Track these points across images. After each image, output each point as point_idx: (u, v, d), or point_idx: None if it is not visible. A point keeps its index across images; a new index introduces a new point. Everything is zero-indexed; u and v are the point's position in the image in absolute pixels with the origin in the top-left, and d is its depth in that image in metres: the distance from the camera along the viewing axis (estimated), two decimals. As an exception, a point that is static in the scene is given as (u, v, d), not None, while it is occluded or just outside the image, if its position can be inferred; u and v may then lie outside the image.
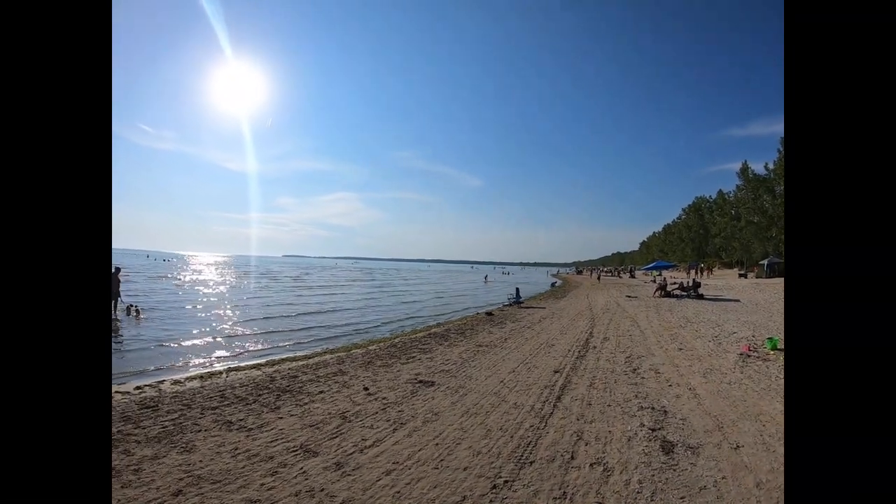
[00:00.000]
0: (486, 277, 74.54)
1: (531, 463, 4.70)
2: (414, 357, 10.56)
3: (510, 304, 25.34)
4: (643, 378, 8.17)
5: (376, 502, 4.02)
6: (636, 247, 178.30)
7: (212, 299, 27.51)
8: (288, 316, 20.78)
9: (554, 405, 6.63)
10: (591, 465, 4.68)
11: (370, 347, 12.16)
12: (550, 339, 12.95)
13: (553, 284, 53.26)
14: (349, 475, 4.54)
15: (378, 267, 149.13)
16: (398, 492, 4.17)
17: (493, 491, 4.13)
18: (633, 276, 67.88)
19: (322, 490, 4.26)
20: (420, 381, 8.20)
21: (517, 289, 28.55)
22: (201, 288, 36.40)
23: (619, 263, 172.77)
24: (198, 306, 23.10)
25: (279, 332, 16.02)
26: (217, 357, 11.88)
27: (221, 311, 21.51)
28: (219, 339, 14.19)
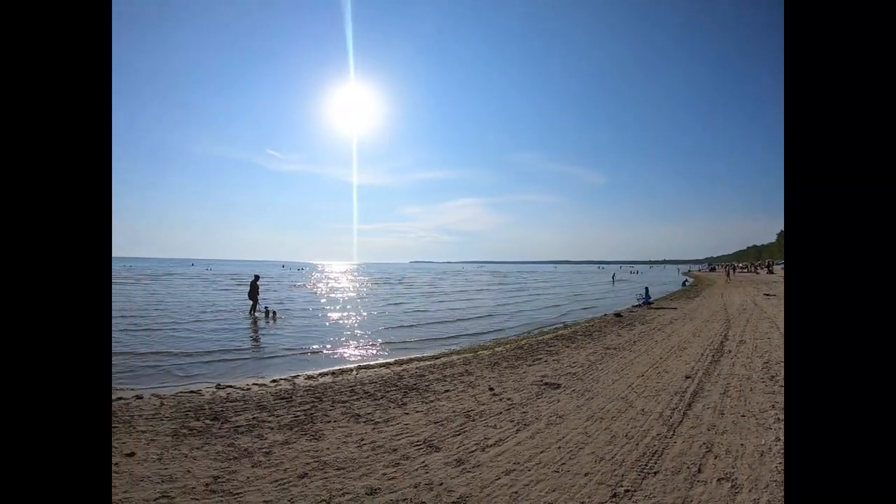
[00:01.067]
0: (613, 277, 71.74)
1: (655, 473, 4.39)
2: (540, 359, 10.36)
3: (639, 305, 24.14)
4: (782, 386, 7.38)
5: (493, 500, 3.96)
6: (773, 238, 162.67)
7: (348, 305, 27.49)
8: (432, 323, 19.80)
9: (683, 413, 6.18)
10: (718, 480, 4.27)
11: (497, 349, 12.10)
12: (682, 341, 12.16)
13: (684, 283, 49.51)
14: (469, 472, 4.53)
15: (506, 270, 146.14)
16: (516, 492, 4.09)
17: (613, 500, 3.92)
18: (771, 272, 61.94)
19: (441, 484, 4.28)
20: (545, 384, 8.03)
21: (646, 288, 27.18)
22: (337, 294, 36.62)
23: (755, 258, 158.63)
24: (333, 314, 22.85)
25: (425, 339, 15.39)
26: (349, 356, 12.39)
27: (358, 317, 21.73)
28: (353, 342, 14.61)
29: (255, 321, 18.76)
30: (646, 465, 4.57)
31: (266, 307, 20.53)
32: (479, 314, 23.22)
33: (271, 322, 18.82)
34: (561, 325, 17.82)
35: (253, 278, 21.42)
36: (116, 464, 4.86)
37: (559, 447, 5.11)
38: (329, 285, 49.43)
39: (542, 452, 4.97)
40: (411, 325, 18.91)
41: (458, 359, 10.75)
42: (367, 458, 4.95)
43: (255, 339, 15.03)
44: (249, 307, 20.62)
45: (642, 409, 6.39)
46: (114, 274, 60.28)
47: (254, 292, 20.60)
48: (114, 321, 17.39)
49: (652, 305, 23.76)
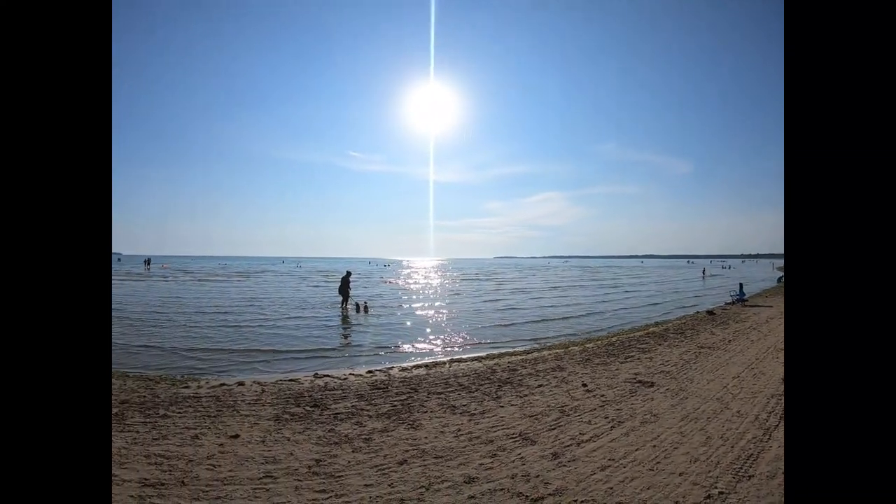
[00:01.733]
0: (703, 272, 67.75)
1: (750, 477, 4.28)
2: (632, 356, 10.16)
3: (733, 302, 22.80)
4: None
5: (589, 495, 4.01)
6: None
7: (440, 301, 26.38)
8: (531, 322, 17.77)
9: (780, 417, 5.89)
10: (814, 487, 4.08)
11: (587, 345, 11.93)
12: (779, 342, 11.47)
13: (780, 279, 45.60)
14: (564, 466, 4.59)
15: (593, 265, 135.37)
16: (611, 488, 4.12)
17: (707, 501, 3.87)
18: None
19: (537, 476, 4.36)
20: (639, 381, 7.91)
21: (740, 284, 25.59)
22: (428, 291, 34.97)
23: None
24: (426, 309, 22.12)
25: (526, 340, 13.86)
26: (442, 351, 12.44)
27: (451, 313, 20.90)
28: (447, 338, 14.41)
29: (346, 315, 19.17)
30: (741, 468, 4.46)
31: (357, 301, 20.95)
32: (578, 312, 21.10)
33: (362, 315, 19.10)
34: (652, 322, 17.18)
35: (345, 274, 22.02)
36: (222, 445, 5.19)
37: (654, 446, 5.08)
38: (418, 281, 48.37)
39: (636, 450, 4.95)
40: (510, 324, 17.31)
41: (550, 354, 10.72)
42: (465, 447, 5.09)
43: (350, 333, 15.31)
44: (341, 301, 21.14)
45: (738, 411, 6.18)
46: (209, 272, 61.75)
47: (345, 287, 21.18)
48: (211, 317, 18.01)
49: (746, 303, 22.43)
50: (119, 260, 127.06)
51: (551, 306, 23.85)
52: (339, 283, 22.04)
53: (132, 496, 3.98)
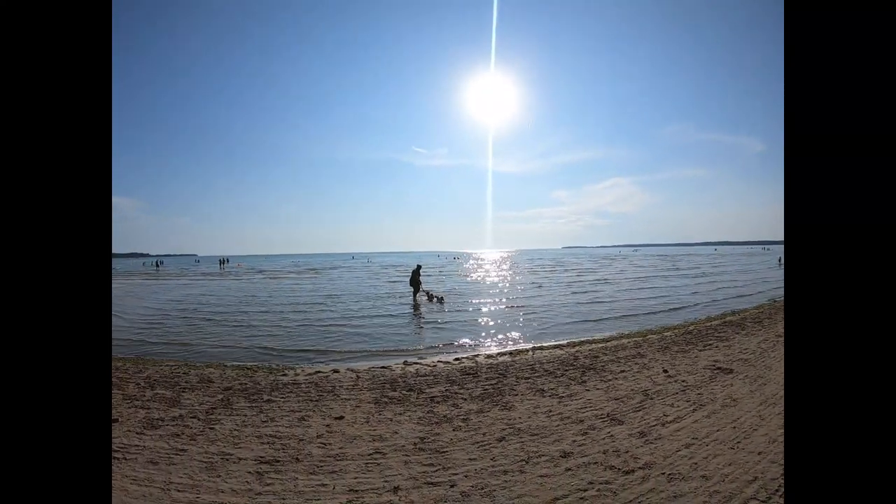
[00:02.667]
0: (780, 260, 63.14)
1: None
2: (710, 344, 10.09)
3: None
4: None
5: (675, 468, 4.24)
6: None
7: (520, 294, 24.61)
8: (619, 317, 15.81)
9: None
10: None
11: (665, 334, 11.86)
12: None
13: None
14: (651, 443, 4.83)
15: (669, 253, 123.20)
16: (695, 463, 4.35)
17: (784, 477, 4.04)
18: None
19: (627, 452, 4.63)
20: (718, 368, 7.94)
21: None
22: (506, 283, 32.83)
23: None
24: (512, 307, 19.34)
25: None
26: (524, 338, 12.41)
27: (535, 305, 19.64)
28: (531, 330, 13.92)
29: (417, 304, 19.76)
30: (819, 450, 4.52)
31: (428, 293, 21.56)
32: (671, 304, 18.94)
33: (437, 306, 19.38)
34: (729, 311, 16.59)
35: (415, 267, 22.89)
36: (328, 425, 5.48)
37: (734, 427, 5.22)
38: (493, 273, 46.16)
39: (717, 431, 5.13)
40: (599, 319, 15.57)
41: (629, 342, 10.80)
42: (557, 426, 5.37)
43: (432, 326, 14.91)
44: (413, 293, 21.98)
45: (817, 398, 6.14)
46: (280, 269, 61.51)
47: (414, 279, 22.01)
48: (299, 314, 17.85)
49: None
50: (197, 261, 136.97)
51: (640, 298, 21.50)
52: (409, 276, 22.92)
53: (250, 472, 4.31)
